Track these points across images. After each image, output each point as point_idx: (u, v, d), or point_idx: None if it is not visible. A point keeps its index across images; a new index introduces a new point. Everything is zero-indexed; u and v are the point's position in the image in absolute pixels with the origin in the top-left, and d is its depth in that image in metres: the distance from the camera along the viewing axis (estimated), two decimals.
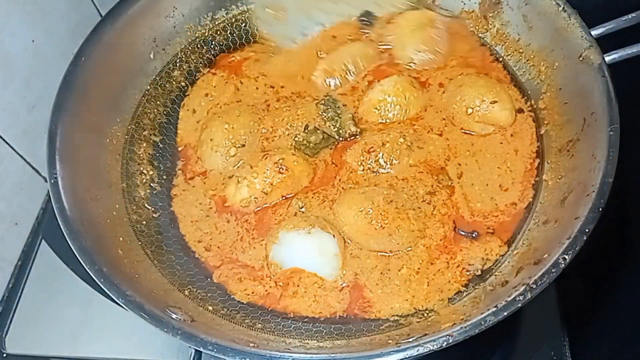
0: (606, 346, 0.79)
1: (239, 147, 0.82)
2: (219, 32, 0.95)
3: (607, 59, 0.72)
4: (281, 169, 0.78)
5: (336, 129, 0.82)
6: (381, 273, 0.72)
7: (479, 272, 0.71)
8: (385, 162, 0.79)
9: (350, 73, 0.88)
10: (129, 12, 0.84)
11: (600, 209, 0.61)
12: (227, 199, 0.79)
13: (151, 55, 0.88)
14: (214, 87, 0.91)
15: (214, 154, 0.82)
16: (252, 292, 0.73)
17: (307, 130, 0.82)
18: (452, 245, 0.74)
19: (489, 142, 0.81)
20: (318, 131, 0.82)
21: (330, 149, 0.83)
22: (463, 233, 0.75)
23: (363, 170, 0.79)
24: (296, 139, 0.82)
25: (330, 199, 0.78)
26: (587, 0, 0.77)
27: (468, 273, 0.71)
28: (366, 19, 0.91)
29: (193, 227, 0.79)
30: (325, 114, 0.82)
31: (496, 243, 0.73)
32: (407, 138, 0.80)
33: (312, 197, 0.78)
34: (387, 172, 0.79)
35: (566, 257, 0.59)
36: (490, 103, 0.80)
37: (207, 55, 0.94)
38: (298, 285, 0.72)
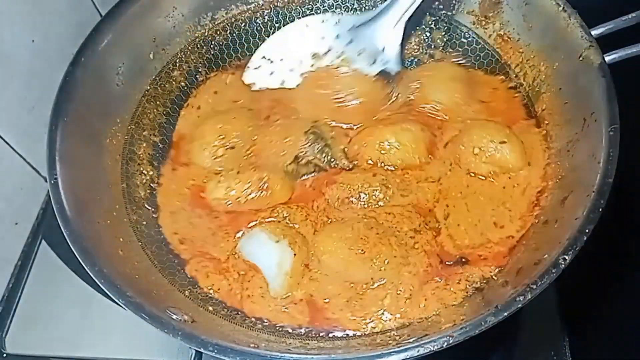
0: (606, 346, 0.79)
1: (227, 148, 0.83)
2: (218, 32, 0.95)
3: (607, 59, 0.72)
4: (262, 187, 0.78)
5: (326, 161, 0.82)
6: (347, 301, 0.71)
7: (480, 285, 0.70)
8: (361, 208, 0.78)
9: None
10: (129, 12, 0.84)
11: (600, 209, 0.61)
12: (205, 190, 0.80)
13: (151, 55, 0.88)
14: (227, 84, 0.92)
15: (203, 152, 0.83)
16: (219, 289, 0.73)
17: (299, 162, 0.81)
18: (443, 270, 0.73)
19: (485, 185, 0.78)
20: (310, 164, 0.81)
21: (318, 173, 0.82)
22: (450, 263, 0.73)
23: (339, 211, 0.78)
24: (286, 169, 0.81)
25: (313, 219, 0.78)
26: (587, 0, 0.77)
27: (469, 287, 0.70)
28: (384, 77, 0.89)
29: (170, 219, 0.79)
30: (315, 145, 0.81)
31: (493, 262, 0.72)
32: (389, 190, 0.78)
33: (296, 210, 0.78)
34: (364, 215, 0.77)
35: (566, 257, 0.59)
36: (499, 143, 0.77)
37: (207, 55, 0.94)
38: (249, 281, 0.73)
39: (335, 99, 0.86)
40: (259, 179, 0.78)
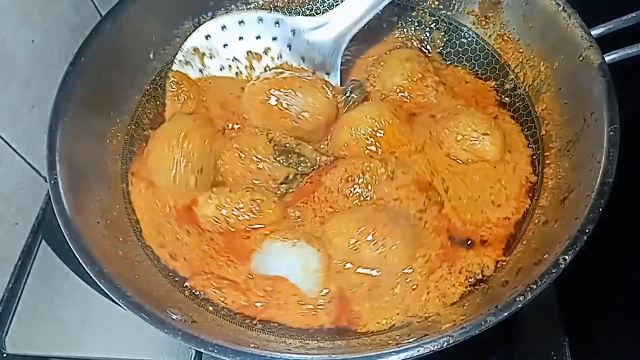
0: (606, 346, 0.79)
1: (197, 172, 0.78)
2: None
3: (607, 59, 0.72)
4: (254, 209, 0.75)
5: (308, 164, 0.81)
6: (369, 290, 0.71)
7: (480, 277, 0.71)
8: (365, 190, 0.77)
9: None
10: (129, 12, 0.84)
11: (600, 209, 0.61)
12: (196, 204, 0.77)
13: (151, 55, 0.88)
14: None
15: (174, 185, 0.77)
16: (232, 301, 0.71)
17: (288, 181, 0.80)
18: (451, 253, 0.73)
19: (474, 168, 0.80)
20: (297, 175, 0.80)
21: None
22: (458, 241, 0.74)
23: (344, 196, 0.78)
24: (279, 190, 0.79)
25: (319, 214, 0.77)
26: (587, 0, 0.77)
27: (470, 279, 0.71)
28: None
29: (154, 231, 0.76)
30: (291, 160, 0.80)
31: (492, 252, 0.73)
32: (389, 167, 0.77)
33: (304, 208, 0.78)
34: (371, 197, 0.77)
35: (566, 257, 0.59)
36: (482, 134, 0.79)
37: None
38: (280, 292, 0.71)
39: (289, 116, 0.82)
40: (251, 199, 0.76)
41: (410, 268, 0.71)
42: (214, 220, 0.76)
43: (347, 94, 0.86)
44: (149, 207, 0.78)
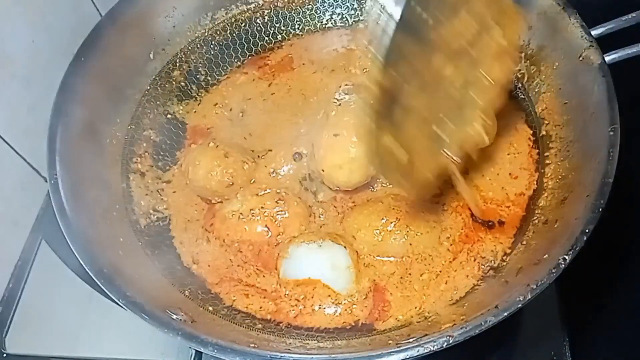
0: (606, 346, 0.79)
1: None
2: (218, 32, 0.95)
3: (607, 59, 0.72)
4: (279, 201, 0.76)
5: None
6: (401, 278, 0.72)
7: (490, 264, 0.72)
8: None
9: None
10: (129, 12, 0.84)
11: (600, 209, 0.61)
12: (220, 208, 0.78)
13: (151, 55, 0.88)
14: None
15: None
16: (260, 307, 0.72)
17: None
18: (472, 233, 0.75)
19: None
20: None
21: None
22: (480, 221, 0.76)
23: (367, 186, 0.79)
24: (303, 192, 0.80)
25: (340, 211, 0.78)
26: (587, 0, 0.77)
27: (483, 266, 0.72)
28: None
29: (183, 227, 0.79)
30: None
31: (506, 239, 0.74)
32: None
33: (327, 204, 0.79)
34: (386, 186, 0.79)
35: (566, 257, 0.59)
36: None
37: (207, 55, 0.94)
38: (313, 297, 0.71)
39: None
40: (276, 193, 0.77)
41: (437, 253, 0.73)
42: (240, 215, 0.77)
43: None
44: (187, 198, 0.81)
